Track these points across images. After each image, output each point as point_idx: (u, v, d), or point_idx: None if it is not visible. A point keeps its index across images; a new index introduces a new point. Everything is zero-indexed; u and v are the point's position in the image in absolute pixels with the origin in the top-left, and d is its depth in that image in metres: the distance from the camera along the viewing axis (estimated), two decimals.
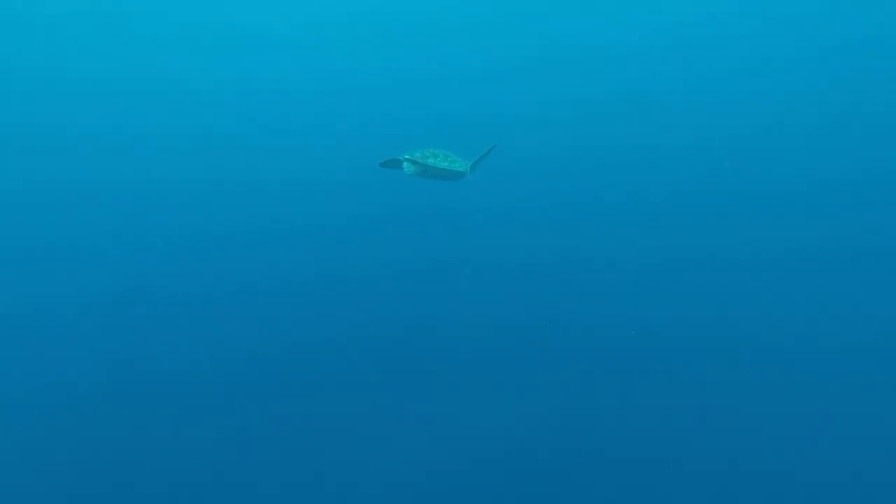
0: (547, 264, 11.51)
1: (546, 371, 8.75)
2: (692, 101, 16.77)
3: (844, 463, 6.99)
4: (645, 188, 13.87)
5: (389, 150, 6.65)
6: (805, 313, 9.71)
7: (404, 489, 7.07)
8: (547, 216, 13.28)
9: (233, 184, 14.71)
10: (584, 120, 16.54)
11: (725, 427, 7.69)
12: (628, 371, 8.78)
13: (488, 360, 9.08)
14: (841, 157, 13.84)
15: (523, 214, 13.20)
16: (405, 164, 6.63)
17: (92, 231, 12.76)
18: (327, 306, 10.75)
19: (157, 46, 18.46)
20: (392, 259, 11.86)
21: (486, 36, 20.09)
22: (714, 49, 17.91)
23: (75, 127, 15.87)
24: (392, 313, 10.34)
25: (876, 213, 12.00)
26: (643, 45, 18.85)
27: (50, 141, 15.51)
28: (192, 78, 18.12)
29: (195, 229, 13.23)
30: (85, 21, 18.31)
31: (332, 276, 11.53)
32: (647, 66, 18.10)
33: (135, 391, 8.82)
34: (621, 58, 18.55)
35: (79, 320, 10.26)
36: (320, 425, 8.04)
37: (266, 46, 19.69)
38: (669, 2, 19.27)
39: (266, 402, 8.51)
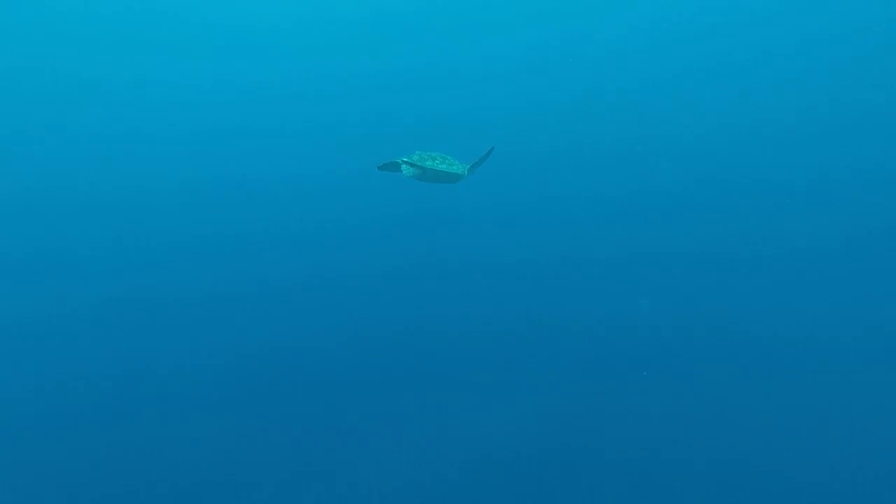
0: (545, 264, 11.56)
1: (545, 371, 8.80)
2: (690, 100, 16.85)
3: (843, 464, 7.06)
4: (645, 188, 13.93)
5: (387, 152, 6.69)
6: (802, 311, 9.77)
7: (402, 489, 7.09)
8: (545, 216, 13.32)
9: (231, 186, 14.70)
10: (581, 120, 16.59)
11: (723, 427, 7.73)
12: (627, 370, 8.82)
13: (487, 361, 9.11)
14: (837, 155, 13.97)
15: (522, 215, 13.25)
16: (404, 167, 6.64)
17: (94, 232, 12.74)
18: (326, 307, 10.76)
19: (159, 47, 18.45)
20: (391, 260, 11.87)
21: (485, 37, 20.14)
22: (713, 48, 18.01)
23: (78, 128, 15.85)
24: (390, 314, 10.36)
25: (873, 211, 12.12)
26: (642, 45, 18.94)
27: (50, 142, 15.49)
28: (190, 80, 18.11)
29: (194, 231, 13.21)
30: (87, 20, 18.28)
31: (330, 278, 11.55)
32: (648, 66, 18.20)
33: (131, 392, 8.79)
34: (621, 58, 18.64)
35: (82, 322, 10.25)
36: (318, 426, 8.05)
37: (266, 49, 19.71)
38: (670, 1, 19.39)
39: (264, 402, 8.51)
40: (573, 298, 10.52)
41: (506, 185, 12.92)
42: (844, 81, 15.60)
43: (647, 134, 15.44)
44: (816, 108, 15.20)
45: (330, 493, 7.15)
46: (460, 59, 19.46)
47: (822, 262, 10.95)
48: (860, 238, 11.42)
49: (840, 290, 10.27)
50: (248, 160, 15.58)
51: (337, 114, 17.63)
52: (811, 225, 11.91)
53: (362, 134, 16.35)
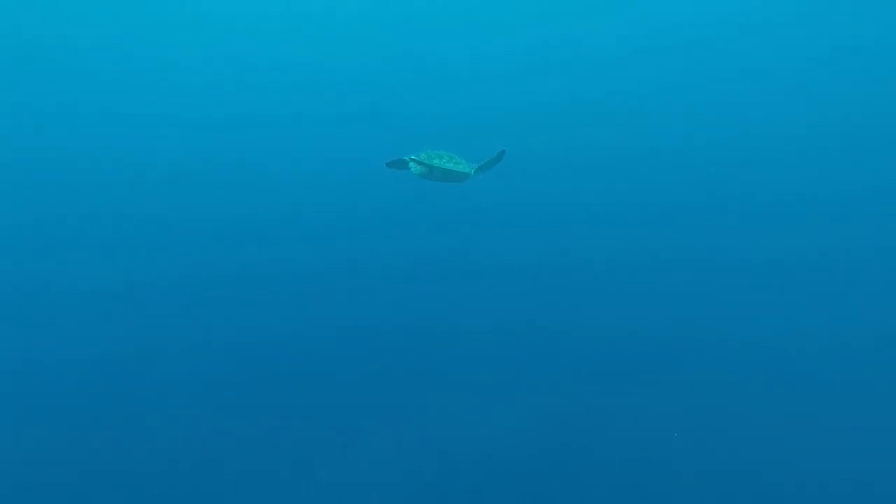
0: (548, 265, 11.60)
1: (544, 372, 8.85)
2: (699, 104, 16.84)
3: (840, 468, 7.08)
4: (650, 190, 13.94)
5: (396, 150, 6.83)
6: (801, 319, 9.78)
7: (399, 488, 7.12)
8: (548, 218, 13.35)
9: (236, 175, 14.79)
10: (590, 121, 16.62)
11: (722, 431, 7.75)
12: (629, 373, 8.83)
13: (488, 360, 9.15)
14: (841, 163, 14.00)
15: (525, 216, 13.28)
16: (412, 165, 6.80)
17: (97, 217, 12.79)
18: (325, 301, 10.77)
19: (172, 39, 18.68)
20: (393, 257, 11.92)
21: (501, 36, 20.20)
22: (720, 53, 18.00)
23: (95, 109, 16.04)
24: (390, 310, 10.38)
25: (873, 220, 12.13)
26: (652, 47, 18.98)
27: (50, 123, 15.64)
28: (205, 75, 18.30)
29: (198, 218, 13.24)
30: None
31: (331, 271, 11.59)
32: (656, 69, 18.22)
33: (122, 380, 8.77)
34: (629, 59, 18.69)
35: (81, 306, 10.25)
36: (315, 421, 8.02)
37: (283, 40, 19.87)
38: (680, 4, 19.40)
39: (265, 395, 8.49)
40: (573, 300, 10.56)
41: (511, 186, 12.93)
42: (848, 90, 15.64)
43: (658, 138, 15.47)
44: (826, 116, 15.23)
45: (324, 490, 7.14)
46: (474, 57, 19.53)
47: (825, 269, 10.96)
48: (862, 246, 11.41)
49: (840, 297, 10.27)
50: (256, 150, 15.68)
51: (348, 109, 17.75)
52: (816, 232, 11.92)
53: (372, 130, 16.48)
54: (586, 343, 9.44)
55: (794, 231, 12.18)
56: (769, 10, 18.04)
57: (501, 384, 8.59)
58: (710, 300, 10.51)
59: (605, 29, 19.40)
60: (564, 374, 8.80)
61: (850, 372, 8.64)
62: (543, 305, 10.43)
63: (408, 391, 8.52)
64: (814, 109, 15.57)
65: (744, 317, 9.93)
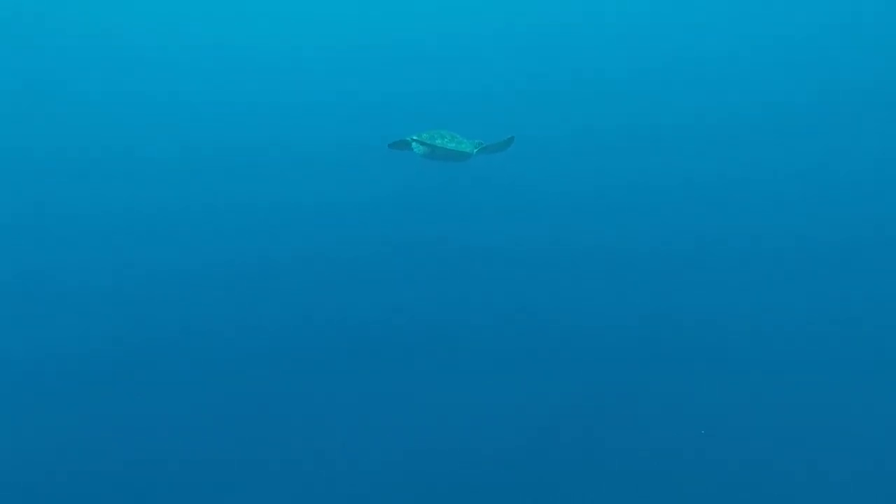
0: (549, 252, 11.55)
1: (546, 362, 8.81)
2: (702, 89, 16.76)
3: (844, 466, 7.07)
4: (655, 176, 13.84)
5: (398, 131, 6.87)
6: (808, 310, 9.69)
7: (394, 481, 7.13)
8: (552, 202, 13.30)
9: (241, 168, 14.79)
10: (594, 105, 16.55)
11: (726, 428, 7.71)
12: (632, 363, 8.77)
13: (489, 348, 9.12)
14: (844, 149, 13.90)
15: (529, 202, 13.23)
16: (414, 145, 6.87)
17: (92, 211, 12.78)
18: (328, 292, 10.73)
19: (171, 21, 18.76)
20: (399, 242, 11.89)
21: (502, 19, 20.16)
22: (728, 44, 17.89)
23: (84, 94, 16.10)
24: (392, 299, 10.34)
25: (875, 207, 12.04)
26: (656, 32, 18.90)
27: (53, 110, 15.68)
28: (201, 65, 18.33)
29: (196, 203, 13.22)
30: None
31: (335, 259, 11.57)
32: (659, 54, 18.14)
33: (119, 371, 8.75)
34: (634, 44, 18.61)
35: (76, 302, 10.25)
36: (306, 413, 7.99)
37: (284, 22, 19.92)
38: None
39: (259, 389, 8.45)
40: (577, 287, 10.49)
41: (511, 173, 12.86)
42: (845, 77, 15.55)
43: (662, 124, 15.37)
44: (824, 102, 15.14)
45: (322, 488, 7.14)
46: (479, 40, 19.46)
47: (827, 261, 10.86)
48: (863, 232, 11.31)
49: (840, 289, 10.17)
50: (257, 137, 15.63)
51: (351, 92, 17.74)
52: (822, 223, 11.81)
53: (373, 114, 16.46)
54: (590, 334, 9.36)
55: (801, 223, 12.04)
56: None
57: (501, 375, 8.52)
58: (717, 290, 10.39)
59: (611, 13, 19.32)
60: (566, 366, 8.74)
61: (862, 370, 8.56)
62: (546, 294, 10.35)
63: (407, 385, 8.47)
64: (819, 95, 15.47)
65: (751, 309, 9.78)
